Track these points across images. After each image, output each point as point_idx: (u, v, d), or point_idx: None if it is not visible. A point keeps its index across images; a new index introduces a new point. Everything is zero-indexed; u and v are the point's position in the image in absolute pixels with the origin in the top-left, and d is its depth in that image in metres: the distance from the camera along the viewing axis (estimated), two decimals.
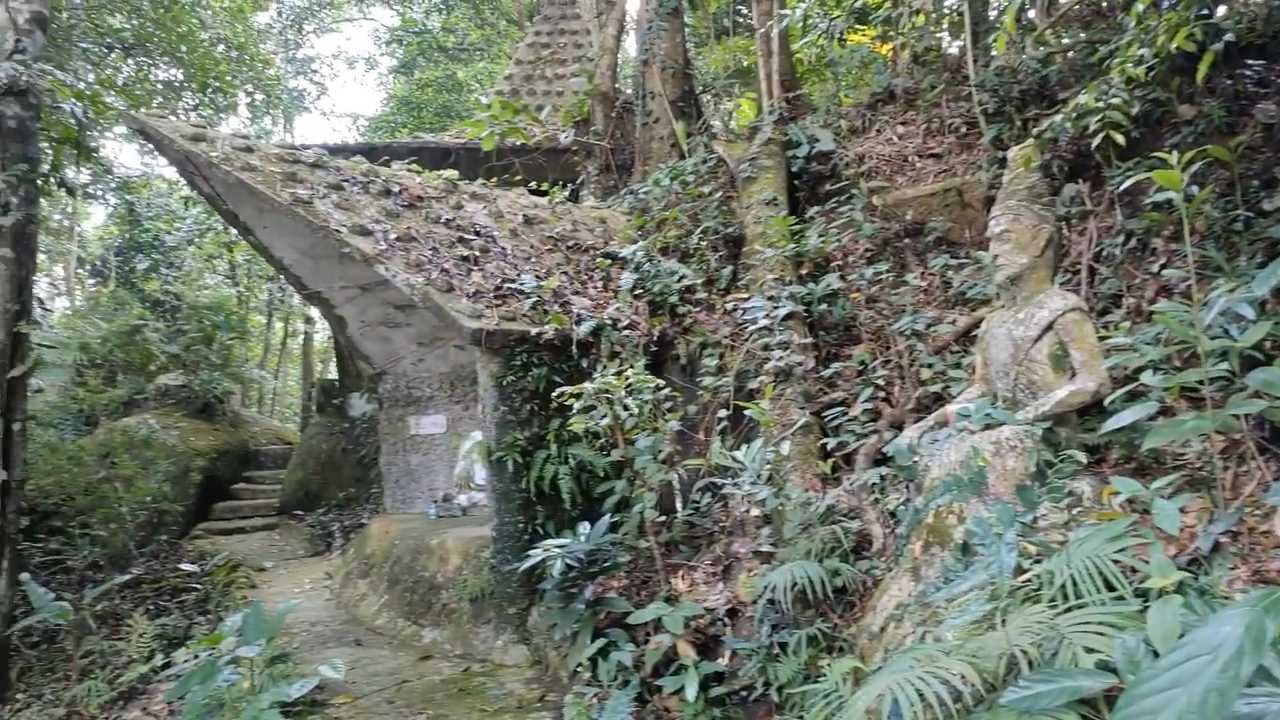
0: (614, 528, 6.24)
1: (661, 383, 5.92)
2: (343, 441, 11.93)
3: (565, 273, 7.97)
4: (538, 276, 7.64)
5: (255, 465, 13.61)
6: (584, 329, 7.17)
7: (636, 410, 5.67)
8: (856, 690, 3.99)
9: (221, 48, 15.11)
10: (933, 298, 7.16)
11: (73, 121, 8.03)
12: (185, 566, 9.10)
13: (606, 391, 5.71)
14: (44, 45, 7.86)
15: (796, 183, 8.93)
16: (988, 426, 4.57)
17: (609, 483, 6.75)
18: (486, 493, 9.58)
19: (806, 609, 4.97)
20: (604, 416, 5.82)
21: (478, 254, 7.73)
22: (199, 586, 9.03)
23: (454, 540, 7.59)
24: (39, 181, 7.89)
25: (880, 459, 5.79)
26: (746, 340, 7.16)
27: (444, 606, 7.23)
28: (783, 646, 4.90)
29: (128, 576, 8.74)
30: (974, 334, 6.43)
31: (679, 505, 6.61)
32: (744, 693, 4.99)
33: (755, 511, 6.03)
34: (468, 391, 10.31)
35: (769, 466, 5.62)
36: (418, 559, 7.73)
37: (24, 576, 7.64)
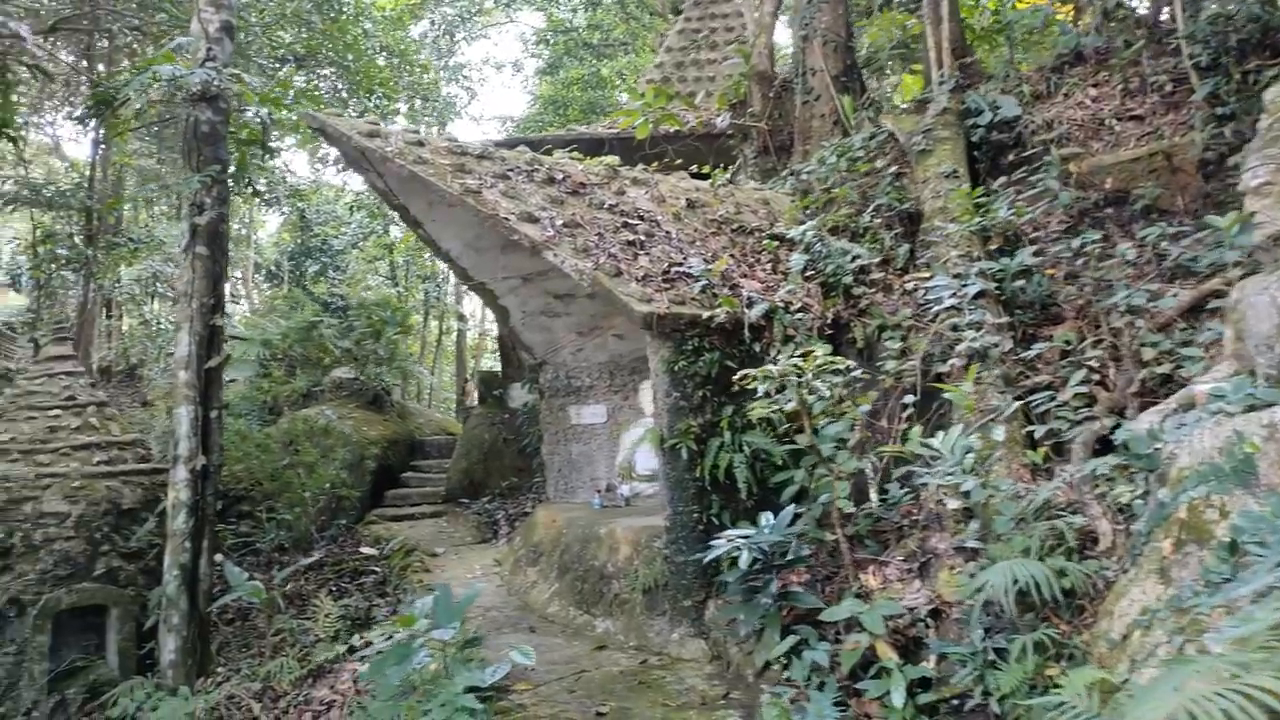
0: (795, 519, 5.86)
1: (852, 364, 5.48)
2: (504, 431, 12.08)
3: (732, 256, 7.63)
4: (705, 260, 7.35)
5: (421, 454, 14.02)
6: (755, 312, 6.82)
7: (827, 393, 5.26)
8: (1107, 706, 3.50)
9: (383, 57, 15.63)
10: (1145, 271, 6.38)
11: (258, 124, 8.34)
12: (366, 550, 9.37)
13: (794, 374, 5.33)
14: (232, 53, 8.20)
15: (975, 154, 8.25)
16: (1251, 408, 3.92)
17: (786, 472, 6.38)
18: (655, 482, 9.39)
19: (1026, 612, 4.45)
20: (789, 401, 5.44)
21: (643, 238, 7.51)
22: (377, 570, 9.27)
23: (623, 530, 7.41)
24: (229, 183, 8.24)
25: (1101, 448, 5.16)
26: (932, 322, 6.62)
27: (615, 597, 7.06)
28: (999, 653, 4.40)
29: (312, 559, 9.04)
30: (1204, 308, 5.69)
31: (869, 495, 6.13)
32: (956, 701, 4.52)
33: (953, 504, 5.51)
34: (626, 381, 10.16)
35: (972, 455, 5.11)
36: (587, 548, 7.60)
37: (218, 557, 8.02)
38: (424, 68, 18.18)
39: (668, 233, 7.75)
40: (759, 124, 10.57)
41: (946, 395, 5.41)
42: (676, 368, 6.52)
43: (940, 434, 5.27)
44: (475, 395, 14.10)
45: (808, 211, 8.54)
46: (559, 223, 7.30)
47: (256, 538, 10.78)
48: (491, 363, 30.36)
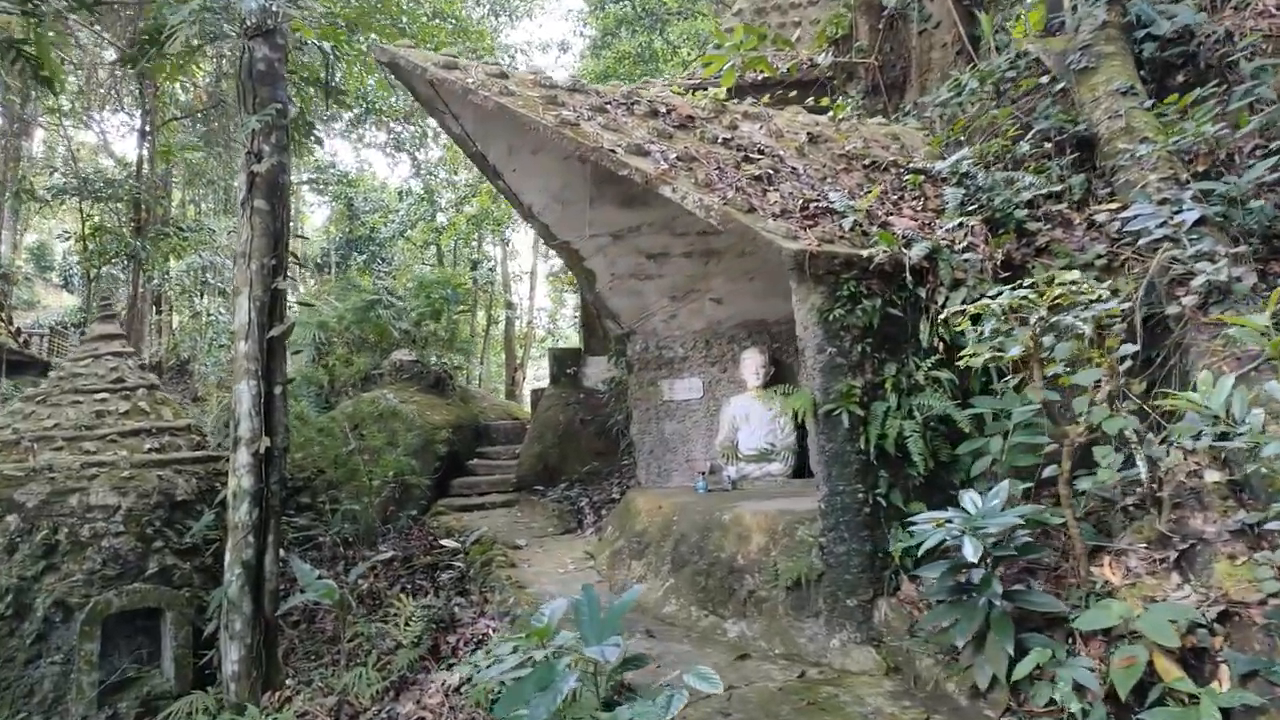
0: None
1: (1106, 293, 4.19)
2: (580, 412, 10.92)
3: (871, 193, 6.37)
4: (847, 195, 6.10)
5: (488, 440, 12.92)
6: (916, 252, 5.56)
7: (1081, 328, 3.98)
8: None
9: (437, 21, 14.55)
10: None
11: (319, 63, 7.23)
12: (446, 543, 8.26)
13: (1029, 306, 4.07)
14: None
15: (1141, 72, 6.91)
16: None
17: (971, 442, 5.13)
18: (765, 463, 8.17)
19: None
20: (1013, 347, 4.18)
21: (769, 173, 6.28)
22: (457, 565, 8.16)
23: (753, 515, 6.19)
24: (288, 129, 7.14)
25: None
26: (1139, 257, 5.33)
27: (750, 595, 5.84)
28: None
29: (385, 554, 7.95)
30: None
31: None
32: None
33: (1213, 475, 4.23)
34: (725, 351, 8.94)
35: (1261, 412, 3.82)
36: (708, 537, 6.39)
37: (283, 553, 6.97)
38: (481, 34, 17.06)
39: (793, 169, 6.51)
40: (868, 59, 9.27)
41: (1231, 331, 4.13)
42: (831, 317, 5.28)
43: (1194, 387, 4.01)
44: (545, 376, 12.95)
45: (948, 145, 7.24)
46: (672, 156, 6.11)
47: (319, 531, 9.74)
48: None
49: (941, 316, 5.29)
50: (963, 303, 5.44)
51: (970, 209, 6.16)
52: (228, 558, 6.38)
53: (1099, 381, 4.14)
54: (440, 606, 7.38)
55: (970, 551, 3.79)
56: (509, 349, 27.52)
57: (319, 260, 26.40)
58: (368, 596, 8.18)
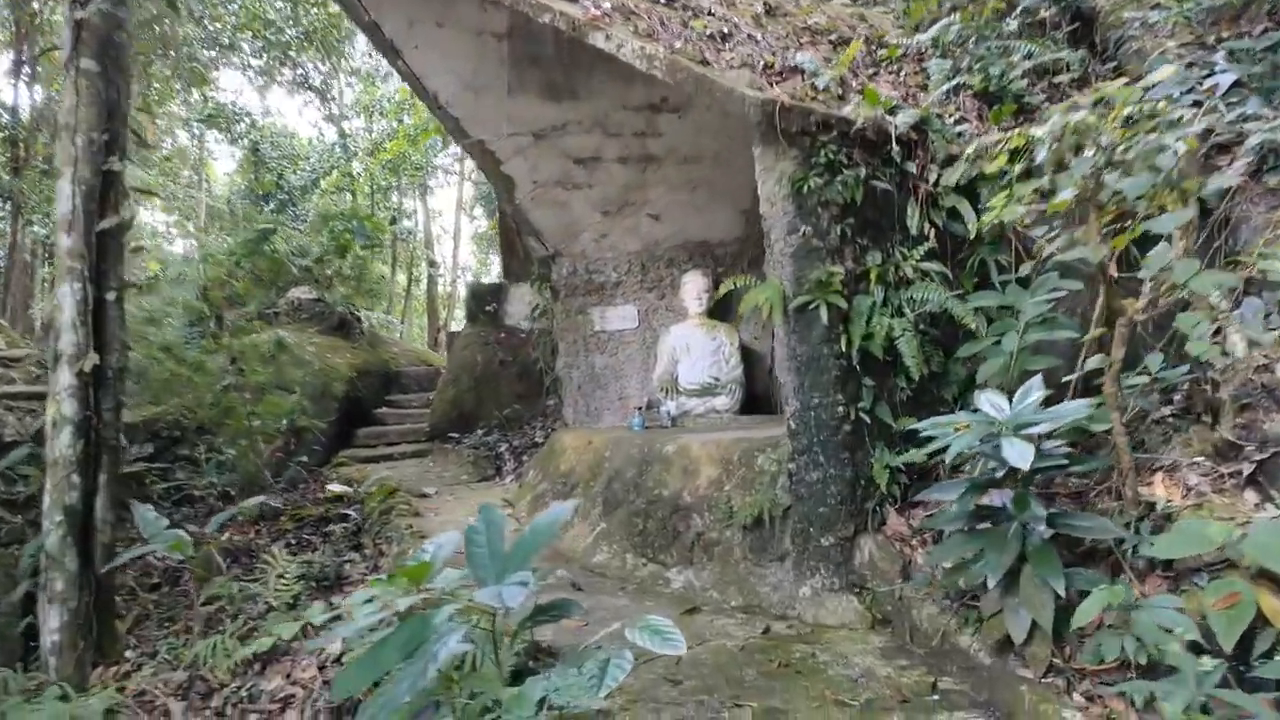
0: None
1: (1188, 113, 3.16)
2: (500, 352, 9.65)
3: (845, 57, 5.28)
4: (816, 60, 4.99)
5: (398, 388, 11.52)
6: (903, 120, 4.49)
7: (1169, 153, 2.93)
8: None
9: None
10: None
11: None
12: (334, 488, 6.95)
13: (1092, 131, 3.01)
14: None
15: None
16: None
17: (975, 343, 4.11)
18: (709, 397, 7.10)
19: None
20: (1065, 188, 3.12)
21: (723, 33, 5.13)
22: (350, 515, 6.87)
23: (701, 445, 5.09)
24: None
25: None
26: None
27: (699, 537, 4.75)
28: None
29: (259, 500, 6.62)
30: None
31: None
32: None
33: None
34: (664, 275, 7.81)
35: None
36: (647, 472, 5.28)
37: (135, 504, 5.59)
38: None
39: (750, 35, 5.36)
40: None
41: None
42: (806, 189, 4.17)
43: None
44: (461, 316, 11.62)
45: (923, 26, 6.20)
46: (605, 4, 4.89)
47: (195, 483, 8.30)
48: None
49: (939, 185, 4.26)
50: (958, 181, 4.41)
51: (957, 84, 5.13)
52: (46, 501, 4.97)
53: (1179, 231, 3.13)
54: (326, 563, 6.10)
55: (1017, 456, 2.74)
56: (431, 308, 25.85)
57: (225, 213, 24.22)
58: (244, 553, 6.83)
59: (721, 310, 7.64)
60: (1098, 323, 3.42)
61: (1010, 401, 3.19)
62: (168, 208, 26.08)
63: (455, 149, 21.30)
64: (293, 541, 6.98)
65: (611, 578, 4.97)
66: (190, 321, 11.12)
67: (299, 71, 20.63)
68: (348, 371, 10.51)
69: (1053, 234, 4.03)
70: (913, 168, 4.49)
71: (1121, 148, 2.94)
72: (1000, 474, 3.15)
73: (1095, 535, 3.03)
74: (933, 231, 4.48)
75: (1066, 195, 3.05)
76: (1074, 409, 2.95)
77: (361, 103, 23.00)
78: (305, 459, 9.00)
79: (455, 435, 9.27)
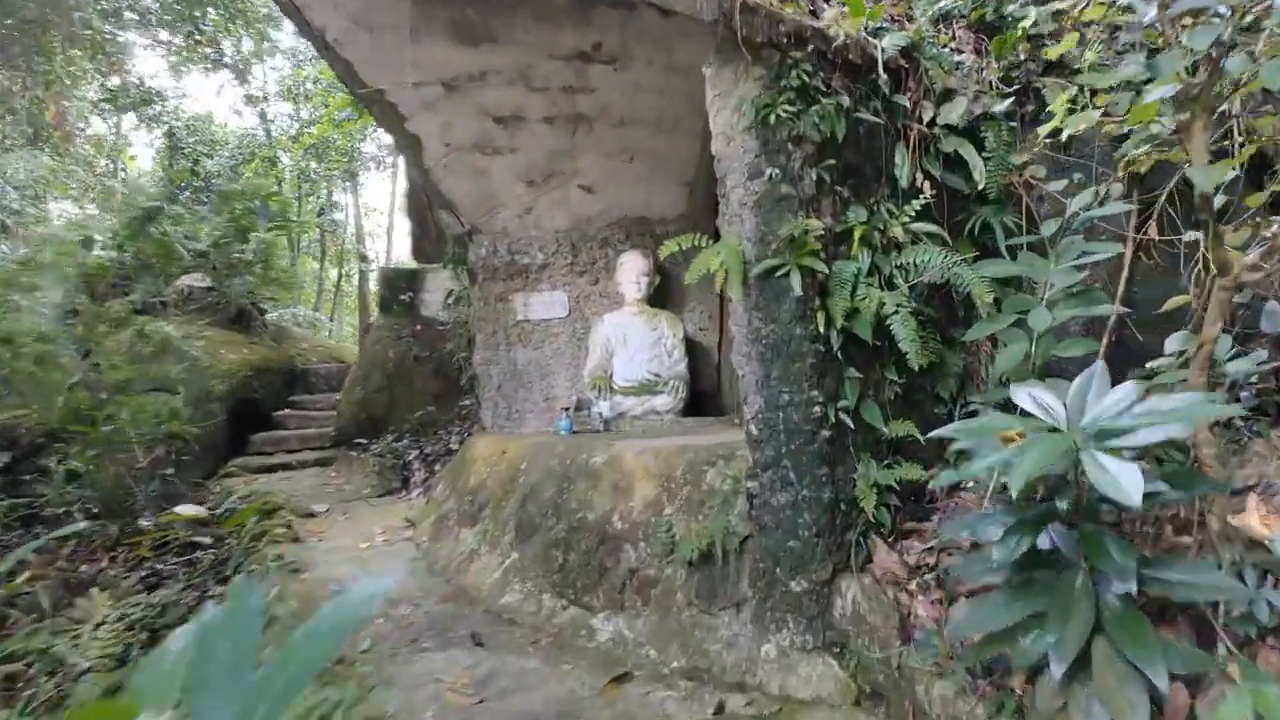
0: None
1: None
2: (415, 347, 8.43)
3: None
4: None
5: (304, 387, 10.21)
6: (890, 44, 3.50)
7: None
8: None
9: None
10: None
11: None
12: (184, 510, 5.69)
13: None
14: None
15: None
16: None
17: (989, 323, 3.12)
18: (652, 396, 6.05)
19: None
20: (1159, 87, 2.12)
21: None
22: (209, 541, 5.62)
23: (637, 455, 4.02)
24: None
25: None
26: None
27: (633, 575, 3.67)
28: None
29: (80, 526, 5.35)
30: None
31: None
32: None
33: None
34: (597, 257, 6.73)
35: None
36: (569, 491, 4.18)
37: None
38: None
39: None
40: None
41: None
42: (773, 119, 3.12)
43: None
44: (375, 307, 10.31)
45: None
46: None
47: (49, 500, 6.94)
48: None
49: (935, 126, 3.27)
50: (960, 121, 3.43)
51: (945, 12, 4.16)
52: None
53: None
54: (178, 602, 4.87)
55: (1124, 484, 1.71)
56: (363, 304, 24.29)
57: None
58: (83, 588, 5.55)
59: (663, 297, 6.59)
60: (1197, 286, 2.44)
61: (1059, 398, 2.19)
62: (81, 199, 24.03)
63: (387, 138, 19.91)
64: (148, 573, 5.72)
65: (523, 625, 3.86)
66: (66, 313, 9.67)
67: (212, 49, 19.00)
68: (243, 369, 9.18)
69: (1075, 185, 3.10)
70: (904, 102, 3.49)
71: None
72: (1062, 504, 2.15)
73: (1204, 596, 2.04)
74: (926, 183, 3.49)
75: (1163, 93, 2.05)
76: (1188, 406, 1.94)
77: (285, 85, 21.49)
78: (194, 474, 7.70)
79: (362, 441, 8.03)
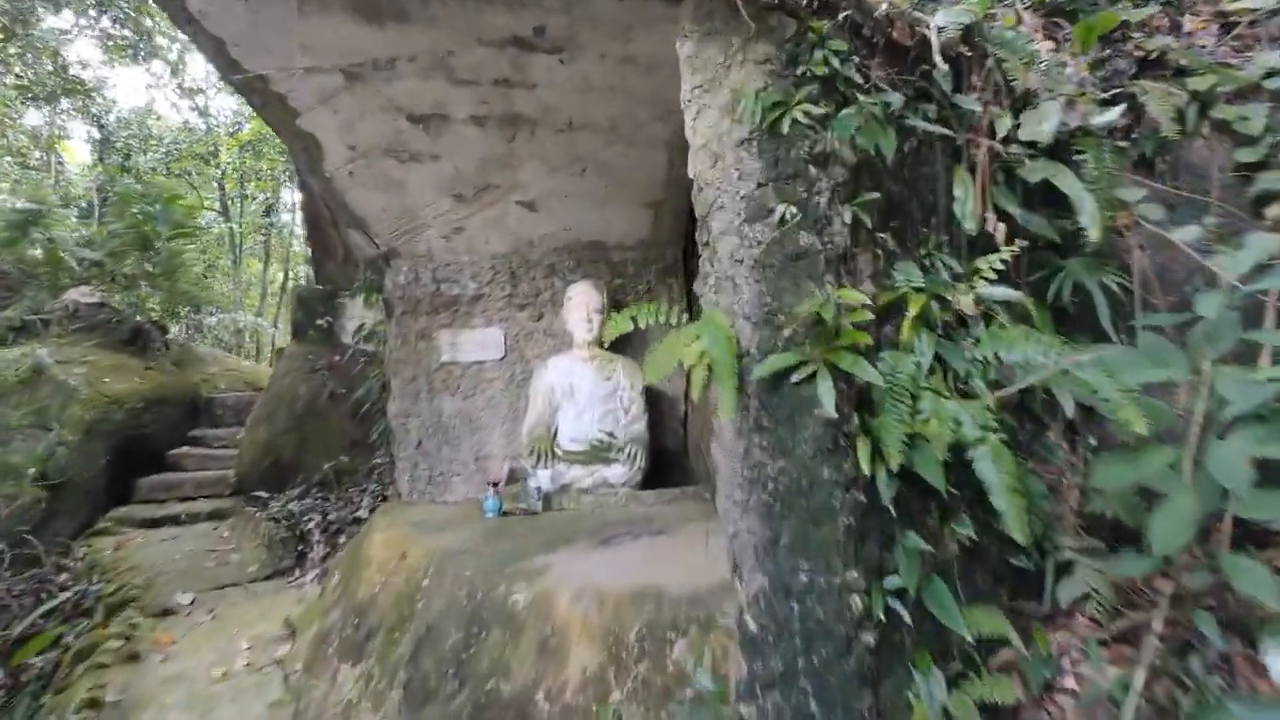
0: None
1: None
2: (331, 381, 7.08)
3: None
4: None
5: (209, 420, 8.78)
6: (949, 21, 2.33)
7: None
8: None
9: None
10: None
11: None
12: None
13: None
14: None
15: None
16: None
17: (1128, 461, 1.95)
18: (608, 464, 4.87)
19: None
20: None
21: None
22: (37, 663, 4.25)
23: (574, 599, 2.79)
24: None
25: None
26: None
27: None
28: None
29: None
30: None
31: None
32: None
33: None
34: (540, 288, 5.52)
35: None
36: (479, 642, 2.94)
37: None
38: None
39: None
40: None
41: None
42: (787, 126, 1.93)
43: None
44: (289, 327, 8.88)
45: None
46: None
47: None
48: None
49: (1012, 141, 2.12)
50: (1050, 134, 2.28)
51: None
52: None
53: None
54: None
55: None
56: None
57: (82, 206, 20.59)
58: None
59: (620, 340, 5.39)
60: None
61: None
62: (12, 192, 22.00)
63: None
64: None
65: None
66: None
67: (139, 37, 17.32)
68: (132, 400, 7.75)
69: (1213, 233, 1.99)
70: (972, 106, 2.33)
71: None
72: None
73: None
74: (1002, 224, 2.33)
75: None
76: None
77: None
78: (62, 530, 6.33)
79: (262, 495, 6.67)
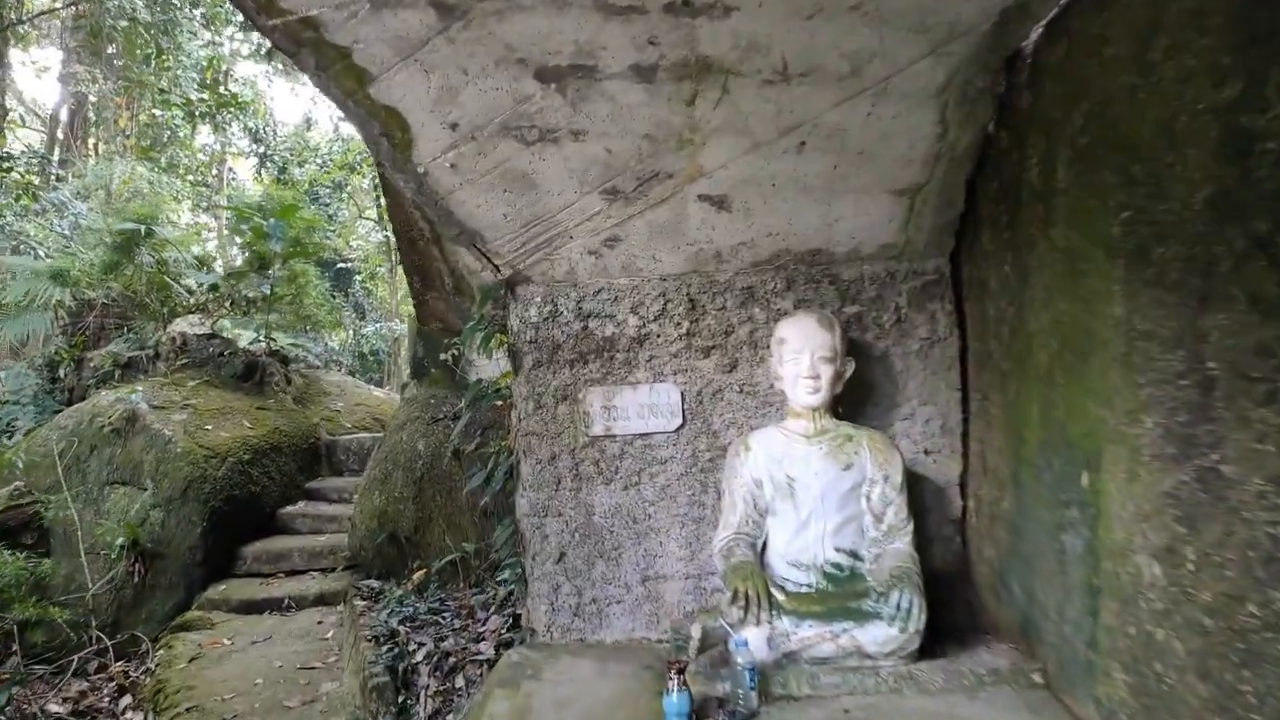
0: None
1: None
2: (457, 438, 5.52)
3: None
4: None
5: (331, 467, 7.53)
6: None
7: None
8: None
9: None
10: None
11: None
12: None
13: None
14: None
15: None
16: None
17: None
18: (875, 616, 2.92)
19: None
20: None
21: None
22: None
23: None
24: None
25: None
26: None
27: None
28: None
29: None
30: None
31: None
32: None
33: None
34: (733, 323, 3.65)
35: None
36: None
37: None
38: None
39: None
40: None
41: None
42: None
43: None
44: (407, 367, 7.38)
45: None
46: None
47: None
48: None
49: None
50: None
51: None
52: None
53: None
54: None
55: None
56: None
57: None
58: None
59: (855, 398, 3.48)
60: None
61: None
62: (195, 209, 22.57)
63: None
64: None
65: None
66: (43, 367, 7.34)
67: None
68: (238, 451, 6.56)
69: None
70: None
71: None
72: None
73: None
74: None
75: None
76: None
77: None
78: (143, 607, 5.21)
79: (375, 585, 5.20)
